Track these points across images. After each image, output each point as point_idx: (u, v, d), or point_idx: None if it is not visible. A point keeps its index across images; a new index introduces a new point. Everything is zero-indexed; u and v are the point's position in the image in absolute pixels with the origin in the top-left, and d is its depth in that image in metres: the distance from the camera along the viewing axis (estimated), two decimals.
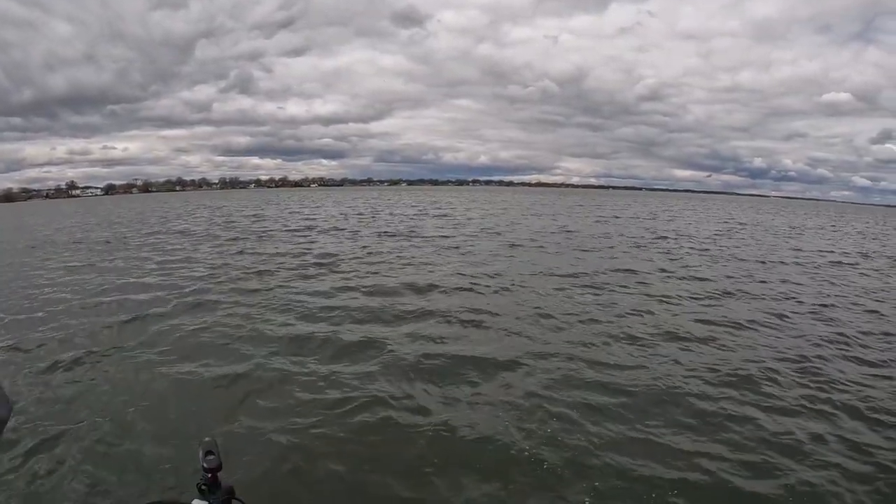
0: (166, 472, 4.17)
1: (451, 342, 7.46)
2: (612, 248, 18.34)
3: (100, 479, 4.17)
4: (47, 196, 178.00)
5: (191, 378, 6.10)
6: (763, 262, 15.80)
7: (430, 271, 12.99)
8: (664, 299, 10.45)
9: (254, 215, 34.94)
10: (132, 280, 11.98)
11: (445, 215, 34.06)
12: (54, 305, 9.73)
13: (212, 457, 1.86)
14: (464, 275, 12.40)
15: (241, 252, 16.47)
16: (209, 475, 1.87)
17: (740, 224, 35.53)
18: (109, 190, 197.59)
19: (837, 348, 7.67)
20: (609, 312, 9.31)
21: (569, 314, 9.11)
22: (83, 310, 9.35)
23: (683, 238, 22.91)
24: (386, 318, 8.63)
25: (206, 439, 1.95)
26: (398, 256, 15.33)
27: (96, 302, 9.89)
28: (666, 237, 22.84)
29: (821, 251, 20.26)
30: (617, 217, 37.40)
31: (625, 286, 11.58)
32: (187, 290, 10.80)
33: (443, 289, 10.87)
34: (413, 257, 15.24)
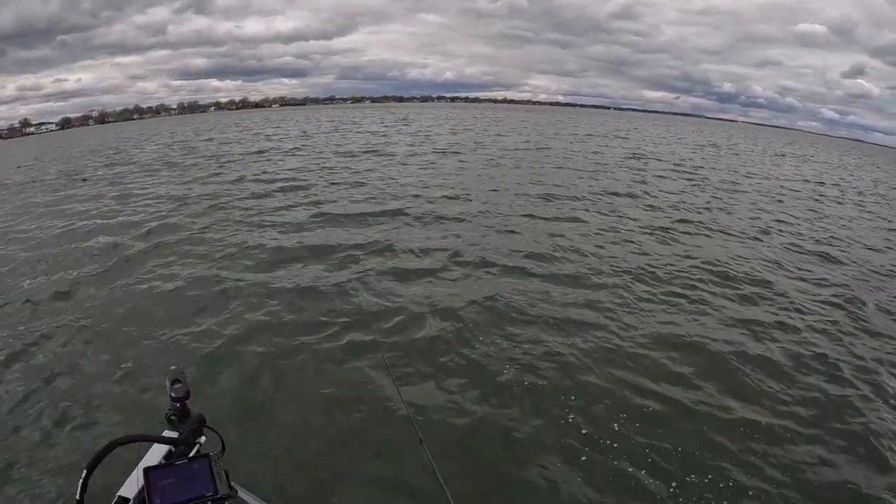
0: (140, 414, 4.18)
1: (425, 281, 7.15)
2: (593, 168, 18.18)
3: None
4: (0, 137, 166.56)
5: (159, 339, 5.67)
6: (761, 195, 15.73)
7: (400, 195, 12.60)
8: (655, 230, 10.39)
9: (213, 139, 33.23)
10: (94, 221, 11.13)
11: (413, 133, 32.98)
12: (11, 261, 8.74)
13: (179, 385, 1.81)
14: (435, 198, 12.09)
15: (201, 181, 15.60)
16: (177, 404, 1.82)
17: (716, 146, 35.82)
18: (65, 124, 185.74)
19: None
20: (598, 243, 9.21)
21: (550, 240, 9.04)
22: (45, 262, 8.43)
23: (670, 163, 22.83)
24: (357, 251, 8.25)
25: (172, 368, 1.88)
26: (366, 179, 14.80)
27: (58, 253, 8.94)
28: (643, 156, 22.80)
29: (807, 180, 20.68)
30: (590, 135, 37.06)
31: (607, 212, 11.54)
32: (149, 228, 10.11)
33: (415, 214, 10.58)
34: (382, 179, 14.78)
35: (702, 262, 8.16)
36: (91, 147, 35.48)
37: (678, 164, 20.98)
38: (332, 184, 13.89)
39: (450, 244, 8.59)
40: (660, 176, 17.09)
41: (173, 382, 1.82)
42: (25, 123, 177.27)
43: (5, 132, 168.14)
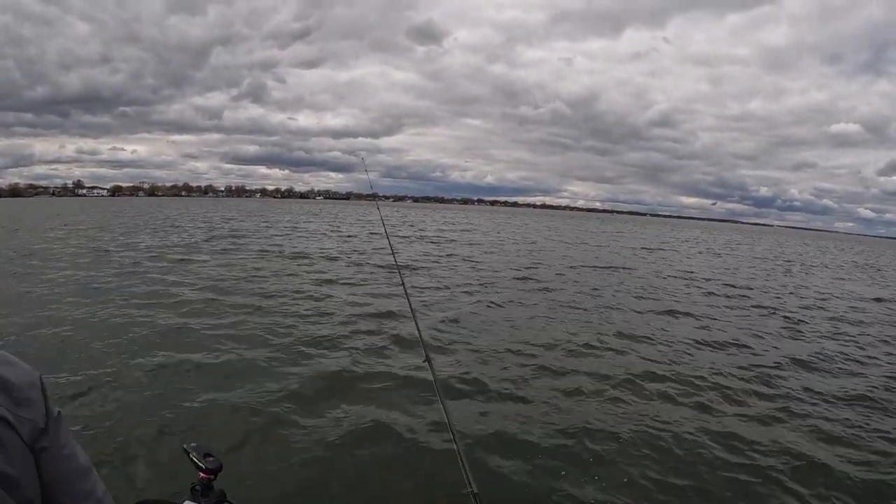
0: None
1: None
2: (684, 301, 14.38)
3: None
4: (53, 194, 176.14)
5: None
6: None
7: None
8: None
9: (257, 231, 31.06)
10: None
11: (474, 243, 30.10)
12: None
13: (211, 458, 1.80)
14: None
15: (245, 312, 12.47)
16: (208, 476, 1.79)
17: (789, 261, 31.69)
18: (115, 191, 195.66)
19: None
20: None
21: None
22: None
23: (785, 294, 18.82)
24: None
25: (193, 444, 1.86)
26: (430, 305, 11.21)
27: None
28: (730, 284, 18.83)
29: None
30: (648, 249, 33.48)
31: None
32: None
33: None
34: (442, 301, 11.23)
35: None
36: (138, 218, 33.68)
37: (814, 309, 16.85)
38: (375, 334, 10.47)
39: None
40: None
41: (205, 455, 1.80)
42: (78, 185, 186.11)
43: (59, 190, 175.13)
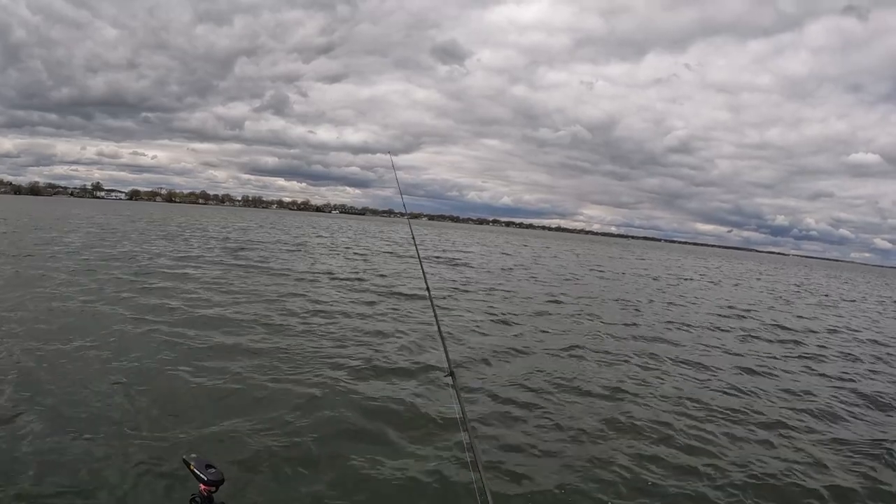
0: None
1: None
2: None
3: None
4: (72, 194, 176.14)
5: None
6: None
7: None
8: None
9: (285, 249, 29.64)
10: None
11: (509, 268, 28.39)
12: None
13: (213, 470, 1.72)
14: None
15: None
16: (209, 488, 1.71)
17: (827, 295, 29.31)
18: (133, 196, 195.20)
19: None
20: None
21: None
22: None
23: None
24: None
25: (194, 455, 1.80)
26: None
27: None
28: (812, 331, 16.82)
29: None
30: (688, 279, 31.29)
31: None
32: None
33: None
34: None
35: None
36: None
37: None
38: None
39: None
40: None
41: (206, 466, 1.71)
42: (97, 187, 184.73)
43: (77, 191, 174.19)
